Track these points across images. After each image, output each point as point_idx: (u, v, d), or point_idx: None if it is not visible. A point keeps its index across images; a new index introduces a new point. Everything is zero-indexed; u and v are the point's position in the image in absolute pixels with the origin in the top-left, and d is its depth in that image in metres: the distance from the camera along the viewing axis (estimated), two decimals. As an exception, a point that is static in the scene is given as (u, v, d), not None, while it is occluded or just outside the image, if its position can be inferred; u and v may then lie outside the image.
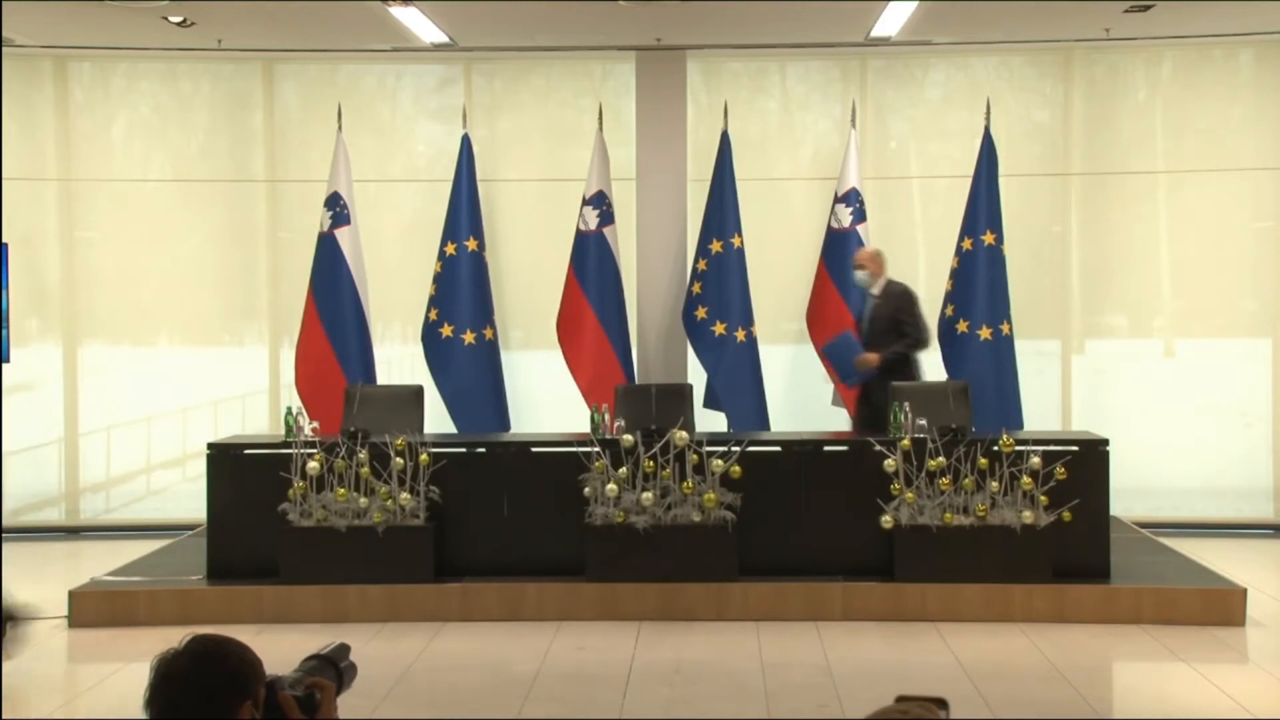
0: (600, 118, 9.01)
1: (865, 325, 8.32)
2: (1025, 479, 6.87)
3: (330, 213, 8.84)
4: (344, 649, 2.54)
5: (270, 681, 2.34)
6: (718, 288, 8.78)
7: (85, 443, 9.59)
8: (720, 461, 6.96)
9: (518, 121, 9.60)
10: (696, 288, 8.84)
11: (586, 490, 7.01)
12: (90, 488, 9.64)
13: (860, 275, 8.31)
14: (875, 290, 8.28)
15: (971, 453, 6.93)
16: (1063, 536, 6.87)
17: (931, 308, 9.14)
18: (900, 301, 8.24)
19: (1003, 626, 6.68)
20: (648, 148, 9.12)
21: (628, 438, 7.05)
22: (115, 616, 6.83)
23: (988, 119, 8.80)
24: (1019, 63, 9.51)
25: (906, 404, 7.20)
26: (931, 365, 8.94)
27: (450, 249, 8.91)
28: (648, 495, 6.92)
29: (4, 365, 7.16)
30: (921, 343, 8.29)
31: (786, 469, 7.25)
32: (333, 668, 2.48)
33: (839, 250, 8.86)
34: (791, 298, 9.10)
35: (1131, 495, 8.43)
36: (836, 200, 8.89)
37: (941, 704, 2.32)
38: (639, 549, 6.94)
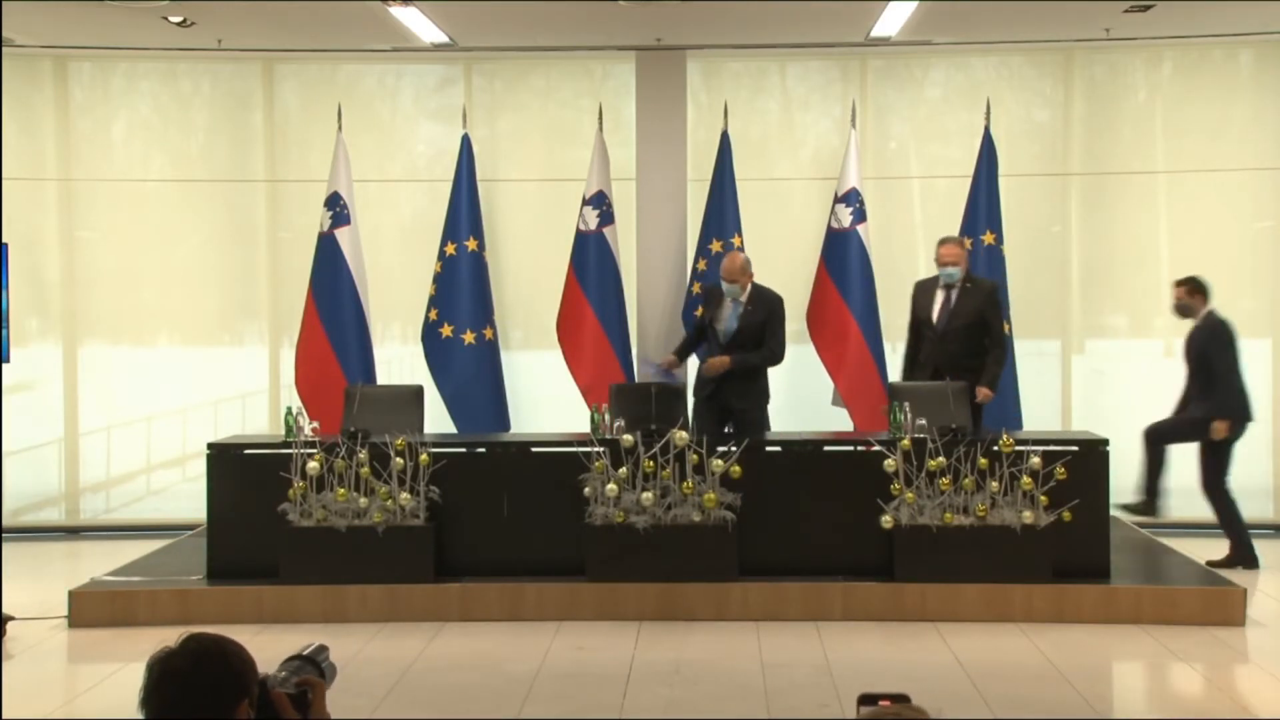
0: (600, 118, 9.01)
1: (733, 333, 8.01)
2: (1025, 479, 6.86)
3: (330, 213, 8.84)
4: (323, 649, 2.54)
5: (260, 680, 2.34)
6: (718, 288, 8.78)
7: (85, 443, 9.58)
8: (720, 461, 6.96)
9: (518, 121, 9.60)
10: (696, 288, 8.84)
11: (586, 490, 7.01)
12: (90, 488, 9.63)
13: (732, 288, 8.00)
14: (743, 298, 8.03)
15: (971, 453, 6.93)
16: (1063, 536, 6.86)
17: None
18: (772, 310, 8.02)
19: (1003, 626, 6.68)
20: (648, 148, 9.12)
21: (627, 438, 7.05)
22: (115, 616, 6.82)
23: (988, 119, 8.81)
24: (1019, 63, 9.52)
25: (906, 404, 7.20)
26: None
27: (450, 249, 8.91)
28: (648, 495, 6.92)
29: (4, 365, 7.15)
30: (778, 358, 8.09)
31: (786, 469, 7.25)
32: (315, 667, 2.48)
33: (839, 250, 8.87)
34: (791, 298, 9.08)
35: (1132, 495, 8.42)
36: (836, 200, 8.89)
37: (904, 699, 2.35)
38: (639, 549, 6.94)
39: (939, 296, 8.12)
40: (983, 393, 7.94)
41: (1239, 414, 8.01)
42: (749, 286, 8.11)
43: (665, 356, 8.53)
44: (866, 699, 2.40)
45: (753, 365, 8.03)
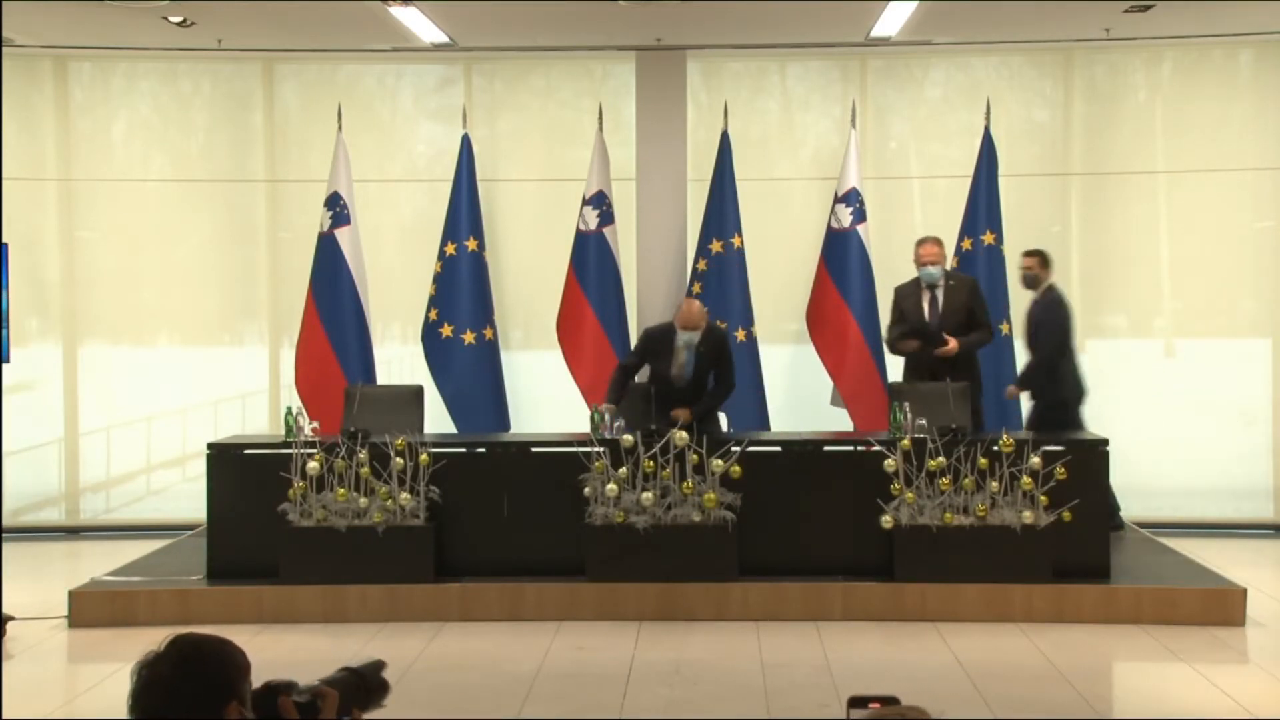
0: (600, 118, 9.01)
1: (690, 376, 7.65)
2: (1025, 479, 6.86)
3: (330, 213, 8.84)
4: (378, 665, 2.51)
5: (277, 686, 2.34)
6: (718, 288, 8.79)
7: (85, 443, 9.58)
8: (720, 461, 6.96)
9: (518, 121, 9.60)
10: (696, 288, 8.84)
11: (586, 490, 7.01)
12: (90, 488, 9.63)
13: (691, 335, 7.59)
14: (698, 340, 7.65)
15: (971, 453, 6.93)
16: (1063, 536, 6.86)
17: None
18: (721, 342, 7.76)
19: (1003, 626, 6.68)
20: (648, 148, 9.12)
21: (628, 438, 7.05)
22: (115, 616, 6.82)
23: (988, 119, 8.81)
24: (1019, 63, 9.51)
25: (906, 404, 7.20)
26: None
27: (450, 249, 8.91)
28: (648, 495, 6.92)
29: (4, 365, 7.16)
30: (733, 387, 7.85)
31: (786, 469, 7.25)
32: (358, 680, 2.46)
33: (839, 250, 8.87)
34: (791, 298, 9.10)
35: (1132, 495, 8.43)
36: (836, 200, 8.89)
37: (894, 700, 2.34)
38: (639, 549, 6.94)
39: (924, 298, 8.09)
40: (950, 343, 7.84)
41: (1064, 390, 8.19)
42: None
43: (606, 408, 7.62)
44: (856, 701, 2.39)
45: (715, 406, 7.82)
